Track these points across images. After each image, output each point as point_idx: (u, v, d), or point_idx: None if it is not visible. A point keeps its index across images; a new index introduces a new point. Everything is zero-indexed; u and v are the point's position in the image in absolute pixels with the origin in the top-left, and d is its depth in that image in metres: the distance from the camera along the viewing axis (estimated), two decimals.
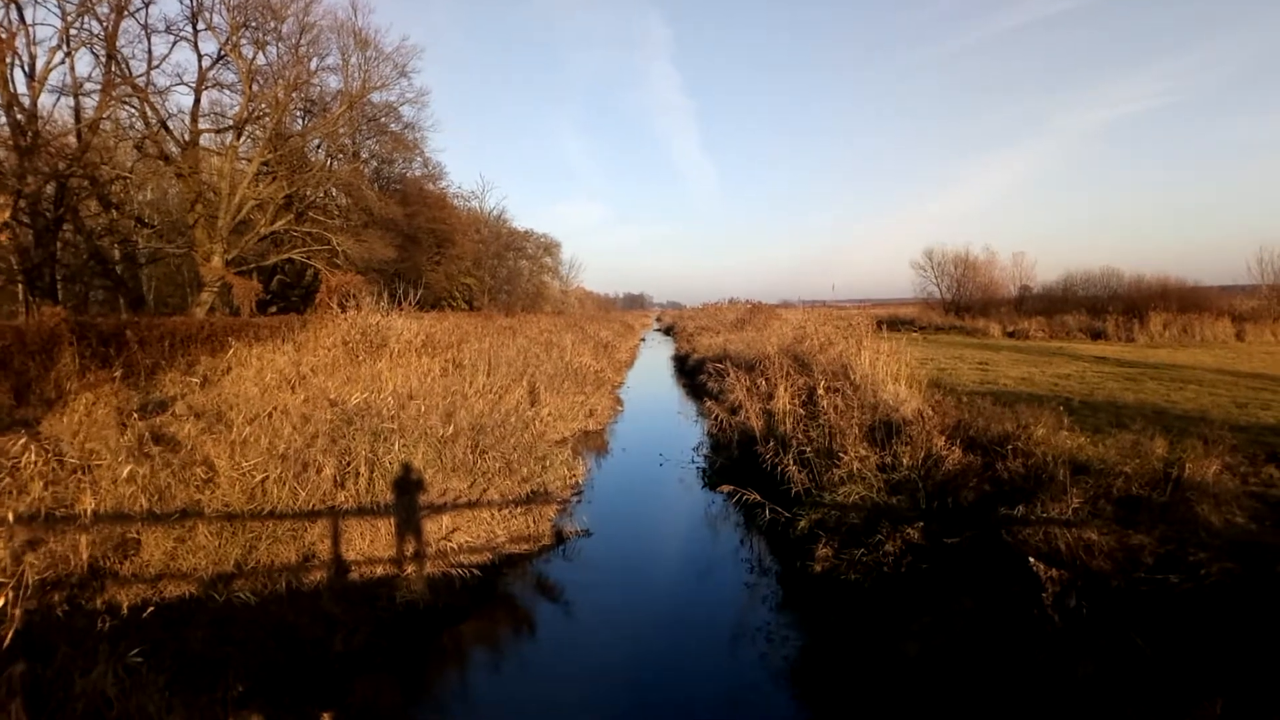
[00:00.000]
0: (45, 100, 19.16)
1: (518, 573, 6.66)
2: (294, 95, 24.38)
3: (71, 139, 19.41)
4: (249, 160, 23.71)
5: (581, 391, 14.96)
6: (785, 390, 9.74)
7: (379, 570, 5.80)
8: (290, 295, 28.43)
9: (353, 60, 28.24)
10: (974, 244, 57.78)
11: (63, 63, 19.10)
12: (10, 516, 4.67)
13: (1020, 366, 16.43)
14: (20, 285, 18.50)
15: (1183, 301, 27.36)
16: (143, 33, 21.14)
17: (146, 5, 20.85)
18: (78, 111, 19.94)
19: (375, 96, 28.76)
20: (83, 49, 19.69)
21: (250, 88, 22.86)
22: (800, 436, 8.27)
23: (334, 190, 29.21)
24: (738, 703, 4.61)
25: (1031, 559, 4.64)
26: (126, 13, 20.08)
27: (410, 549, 6.10)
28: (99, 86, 19.56)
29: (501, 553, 6.73)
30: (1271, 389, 11.76)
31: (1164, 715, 3.42)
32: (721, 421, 11.11)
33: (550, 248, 55.91)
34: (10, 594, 3.55)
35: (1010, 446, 6.39)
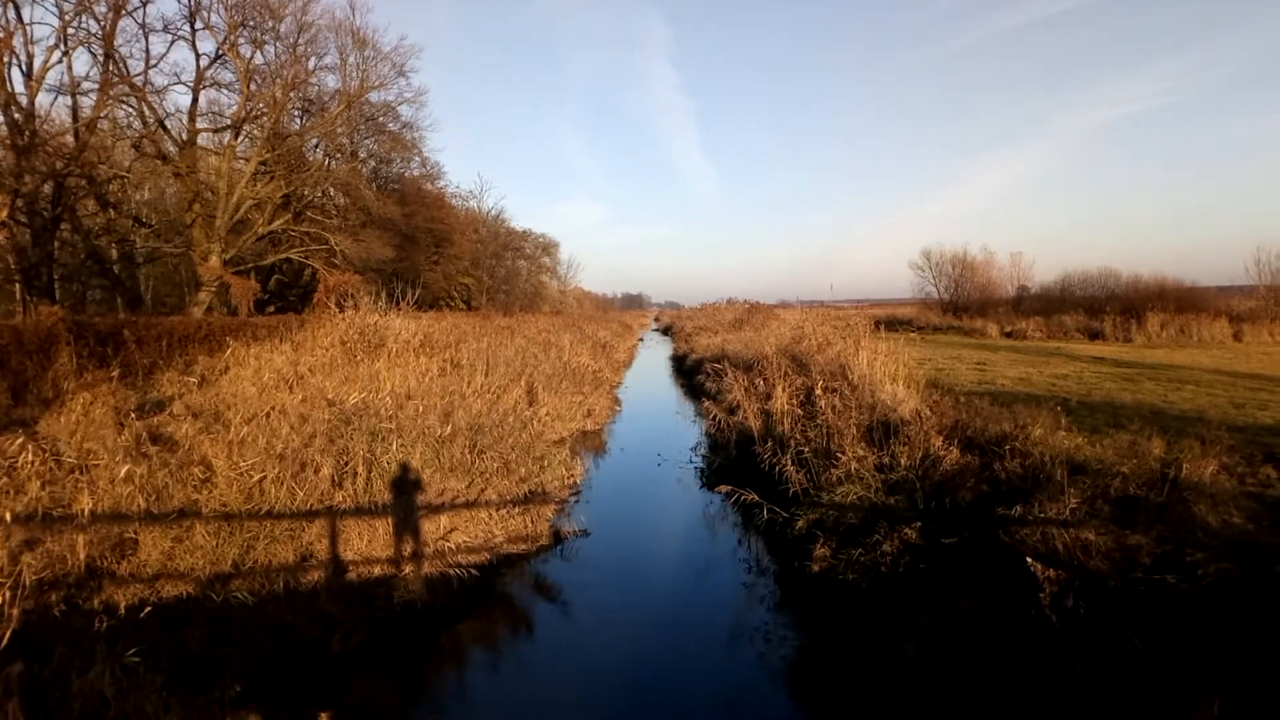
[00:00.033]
0: (43, 99, 19.17)
1: (516, 573, 6.66)
2: (292, 94, 24.36)
3: (69, 138, 19.39)
4: (247, 160, 23.68)
5: (579, 391, 14.95)
6: (783, 390, 9.75)
7: (377, 570, 5.80)
8: (288, 295, 28.39)
9: (351, 60, 28.22)
10: (972, 244, 57.84)
11: (60, 62, 19.13)
12: (7, 516, 4.66)
13: (1018, 367, 16.46)
14: (18, 284, 18.48)
15: (1180, 302, 27.41)
16: (140, 32, 21.17)
17: (144, 4, 20.88)
18: (75, 111, 19.92)
19: (373, 96, 28.77)
20: (80, 48, 19.71)
21: (248, 87, 22.84)
22: (798, 436, 8.27)
23: (332, 190, 29.18)
24: (735, 703, 4.62)
25: (1029, 559, 4.64)
26: (124, 12, 20.06)
27: (408, 549, 6.10)
28: (96, 86, 19.53)
29: (499, 553, 6.73)
30: (1269, 389, 11.79)
31: (1161, 715, 3.43)
32: (719, 421, 11.11)
33: (549, 247, 55.98)
34: (7, 594, 3.54)
35: (1008, 446, 6.40)
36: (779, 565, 6.75)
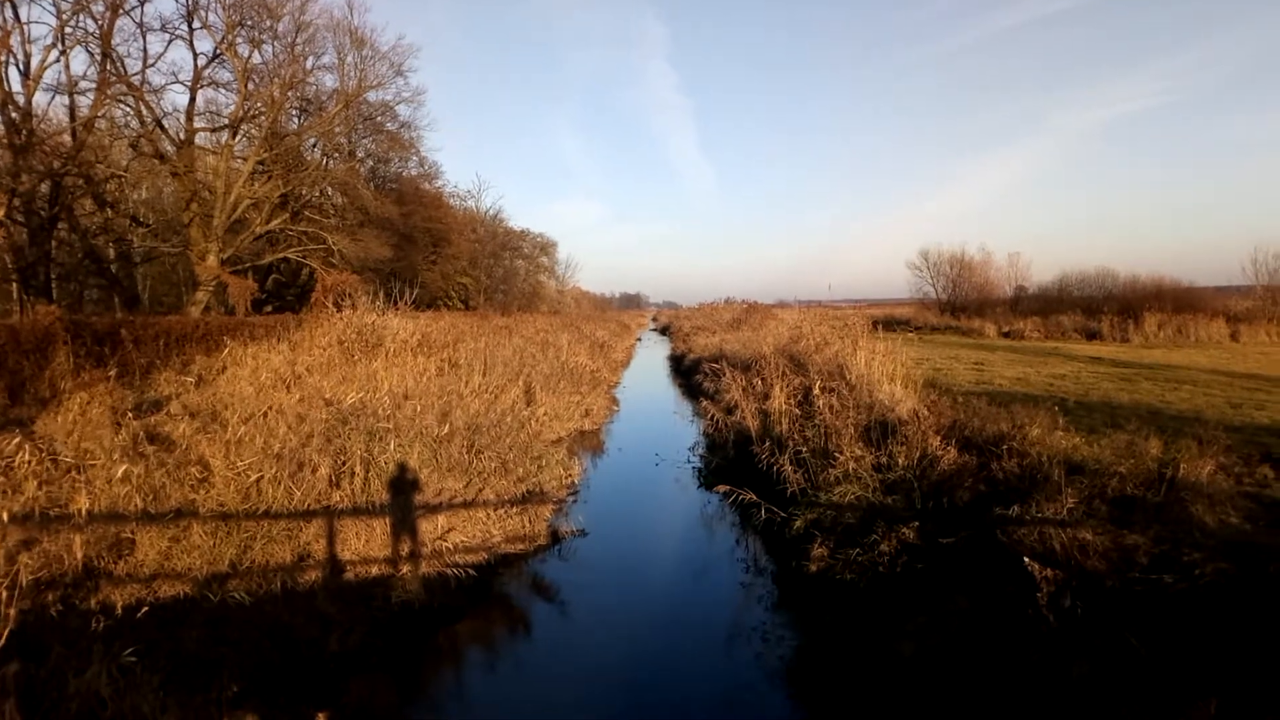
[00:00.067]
0: (40, 99, 19.10)
1: (513, 572, 6.65)
2: (289, 94, 24.34)
3: (66, 137, 19.32)
4: (244, 159, 23.65)
5: (577, 391, 14.95)
6: (781, 390, 9.76)
7: (374, 570, 5.79)
8: (286, 294, 28.35)
9: (349, 59, 28.20)
10: (970, 244, 58.04)
11: (58, 61, 19.06)
12: (4, 516, 4.64)
13: (1015, 367, 16.49)
14: (15, 284, 18.42)
15: (1177, 302, 27.51)
16: (138, 31, 21.12)
17: (142, 4, 20.87)
18: (73, 110, 19.86)
19: (371, 95, 28.77)
20: (78, 47, 19.63)
21: (246, 86, 22.80)
22: (796, 436, 8.27)
23: (330, 189, 29.16)
24: (733, 702, 4.62)
25: (1026, 559, 4.65)
26: (122, 11, 20.01)
27: (405, 549, 6.09)
28: (94, 85, 19.48)
29: (497, 552, 6.72)
30: (1265, 389, 11.82)
31: (1159, 715, 3.44)
32: (717, 421, 11.11)
33: (546, 247, 55.96)
34: (4, 594, 3.52)
35: (1005, 446, 6.40)
36: (777, 565, 6.76)
